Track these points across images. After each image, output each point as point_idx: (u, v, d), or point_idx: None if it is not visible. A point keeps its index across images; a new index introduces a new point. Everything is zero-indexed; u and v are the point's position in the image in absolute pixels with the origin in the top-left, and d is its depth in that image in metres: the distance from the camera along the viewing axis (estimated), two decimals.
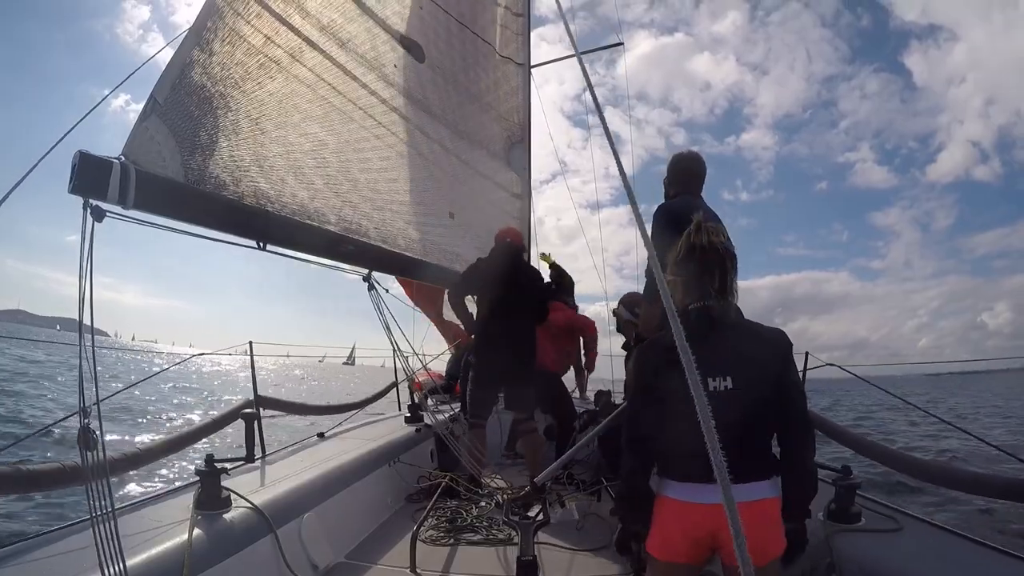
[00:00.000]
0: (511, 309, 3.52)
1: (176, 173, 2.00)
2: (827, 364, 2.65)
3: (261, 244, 2.38)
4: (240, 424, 2.58)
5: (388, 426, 3.87)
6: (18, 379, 14.16)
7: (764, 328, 1.52)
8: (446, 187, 4.13)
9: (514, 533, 2.43)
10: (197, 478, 1.92)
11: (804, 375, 2.53)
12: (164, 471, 5.98)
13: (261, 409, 2.85)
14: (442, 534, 2.71)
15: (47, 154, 1.70)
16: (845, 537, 1.88)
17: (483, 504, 3.10)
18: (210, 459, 1.94)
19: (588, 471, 3.73)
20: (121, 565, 1.34)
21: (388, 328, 3.20)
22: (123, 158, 1.78)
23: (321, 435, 3.40)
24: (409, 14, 3.68)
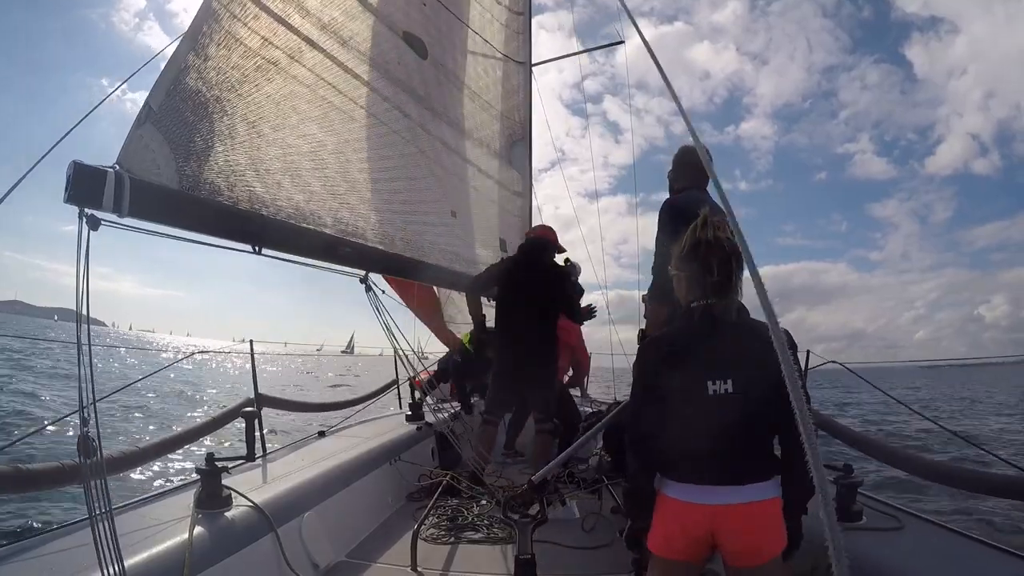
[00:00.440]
0: (535, 309, 3.49)
1: (170, 180, 1.99)
2: (829, 361, 2.65)
3: (256, 248, 2.37)
4: (238, 423, 2.58)
5: (389, 424, 3.87)
6: (19, 378, 14.17)
7: (766, 326, 1.51)
8: (448, 186, 4.11)
9: (515, 532, 2.43)
10: (197, 477, 1.92)
11: (805, 372, 2.53)
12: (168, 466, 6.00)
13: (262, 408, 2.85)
14: (443, 533, 2.71)
15: (46, 155, 1.72)
16: (846, 536, 1.87)
17: (483, 502, 3.10)
18: (211, 458, 1.94)
19: (589, 470, 3.74)
20: (119, 564, 1.35)
21: (388, 329, 3.19)
22: (117, 167, 1.78)
23: (321, 433, 3.40)
24: (411, 10, 3.67)
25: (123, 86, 2.35)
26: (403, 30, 3.53)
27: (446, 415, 3.89)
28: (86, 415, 1.43)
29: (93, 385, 1.43)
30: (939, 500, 5.76)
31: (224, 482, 1.95)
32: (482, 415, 3.71)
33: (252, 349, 3.06)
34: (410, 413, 4.04)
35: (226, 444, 4.80)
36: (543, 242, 3.76)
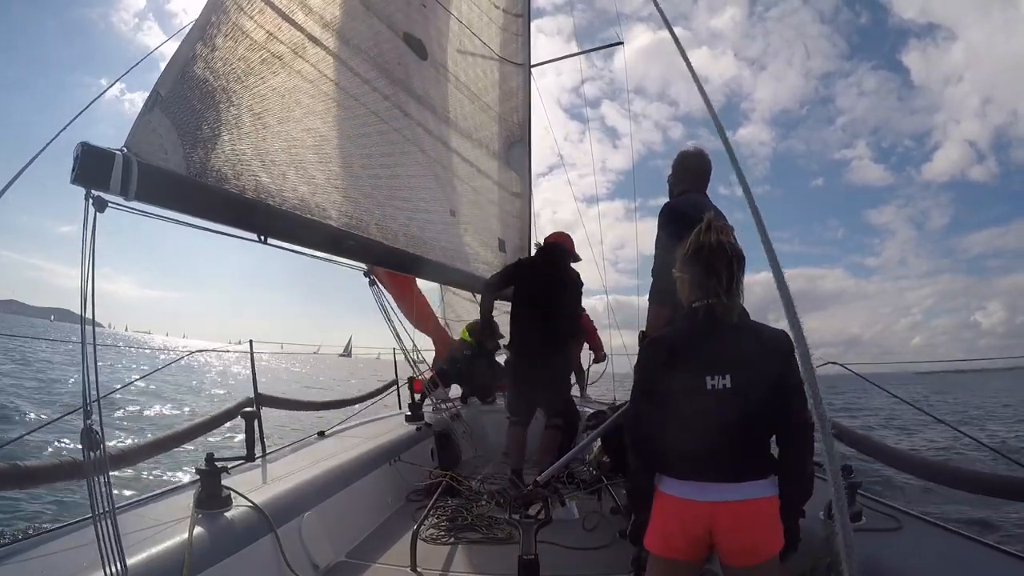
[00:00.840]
0: (551, 313, 3.53)
1: (178, 166, 2.00)
2: (828, 363, 2.65)
3: (262, 237, 2.38)
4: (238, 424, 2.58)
5: (388, 425, 3.87)
6: (18, 377, 14.14)
7: (766, 329, 1.53)
8: (447, 185, 4.13)
9: (514, 532, 2.43)
10: (197, 477, 1.92)
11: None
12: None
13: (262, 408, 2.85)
14: (443, 533, 2.71)
15: (46, 147, 1.69)
16: None
17: (484, 503, 3.10)
18: (210, 458, 1.94)
19: (589, 470, 3.74)
20: (121, 564, 1.34)
21: (390, 321, 3.19)
22: (125, 150, 1.78)
23: (321, 434, 3.40)
24: (412, 11, 3.68)
25: (122, 86, 2.36)
26: (403, 31, 3.53)
27: (446, 415, 3.89)
28: (89, 409, 1.42)
29: (97, 376, 1.42)
30: (960, 505, 5.59)
31: (224, 482, 1.94)
32: (508, 419, 3.72)
33: (252, 349, 3.06)
34: (410, 414, 4.04)
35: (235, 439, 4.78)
36: (563, 248, 3.80)
